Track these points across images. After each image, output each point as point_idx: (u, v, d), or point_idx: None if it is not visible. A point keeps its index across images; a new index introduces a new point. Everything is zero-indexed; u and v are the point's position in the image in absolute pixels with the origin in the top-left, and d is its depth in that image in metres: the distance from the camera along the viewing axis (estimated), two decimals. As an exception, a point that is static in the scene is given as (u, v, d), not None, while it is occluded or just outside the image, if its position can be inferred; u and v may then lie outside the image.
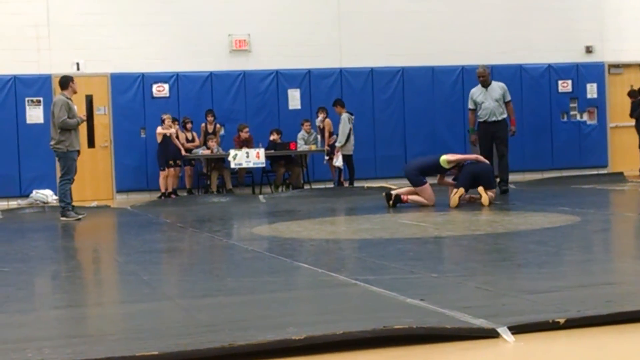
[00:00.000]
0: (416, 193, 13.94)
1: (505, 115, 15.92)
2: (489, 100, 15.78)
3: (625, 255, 8.35)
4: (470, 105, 16.08)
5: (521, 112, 20.90)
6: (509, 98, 15.98)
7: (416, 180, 13.91)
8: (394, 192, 14.03)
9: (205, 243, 10.31)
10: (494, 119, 15.75)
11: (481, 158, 14.19)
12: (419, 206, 13.64)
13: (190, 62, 19.40)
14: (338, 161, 18.31)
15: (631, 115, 20.12)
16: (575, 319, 5.04)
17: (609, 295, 5.77)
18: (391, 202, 13.91)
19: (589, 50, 21.57)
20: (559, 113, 21.40)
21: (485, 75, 15.93)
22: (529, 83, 21.21)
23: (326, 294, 6.36)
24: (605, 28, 21.63)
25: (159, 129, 18.01)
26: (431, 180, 14.22)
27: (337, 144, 18.29)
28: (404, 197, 13.91)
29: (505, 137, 15.88)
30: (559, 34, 21.29)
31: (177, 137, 18.31)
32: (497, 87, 15.95)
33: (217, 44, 19.60)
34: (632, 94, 20.41)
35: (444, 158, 13.94)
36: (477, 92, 16.00)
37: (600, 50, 21.58)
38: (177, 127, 18.33)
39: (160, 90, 19.28)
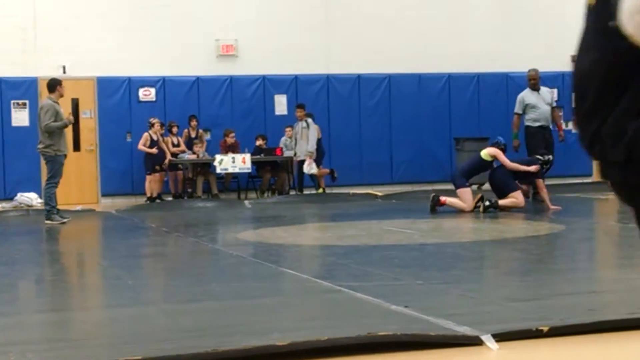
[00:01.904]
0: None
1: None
2: (542, 104, 15.39)
3: (609, 264, 8.39)
4: (518, 110, 15.62)
5: (507, 120, 20.93)
6: (555, 103, 15.70)
7: (458, 183, 13.79)
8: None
9: (190, 248, 10.30)
10: (548, 123, 15.42)
11: (522, 168, 13.74)
12: (457, 210, 13.43)
13: (177, 66, 19.38)
14: (312, 168, 18.08)
15: None
16: (558, 327, 5.06)
17: (592, 304, 5.80)
18: (431, 204, 13.69)
19: (574, 59, 21.63)
20: (545, 121, 21.44)
21: (536, 78, 15.57)
22: (515, 91, 21.07)
23: (311, 300, 6.37)
24: (591, 37, 21.69)
25: (144, 137, 17.96)
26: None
27: (311, 149, 18.02)
28: (442, 199, 13.76)
29: (554, 144, 15.68)
30: (545, 43, 21.35)
31: (163, 141, 18.32)
32: (548, 92, 15.63)
33: (204, 49, 19.59)
34: None
35: (485, 151, 13.88)
36: (528, 95, 15.57)
37: (586, 59, 21.62)
38: (162, 131, 18.31)
39: (147, 94, 19.26)
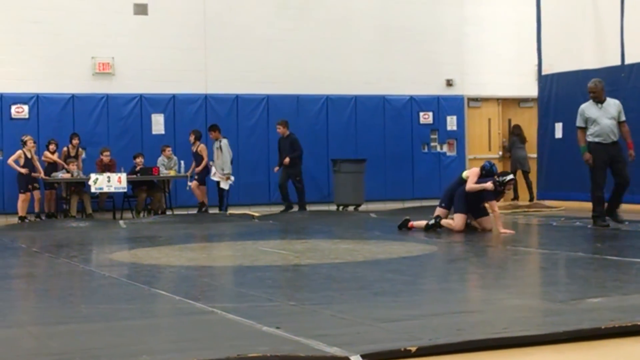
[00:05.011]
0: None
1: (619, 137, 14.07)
2: (604, 119, 13.88)
3: (478, 284, 8.56)
4: (580, 123, 14.02)
5: (384, 142, 21.30)
6: (624, 118, 14.06)
7: (457, 208, 13.92)
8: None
9: (61, 269, 10.09)
10: (613, 139, 13.87)
11: (477, 187, 13.73)
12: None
13: (51, 83, 19.01)
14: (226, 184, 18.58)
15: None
16: (426, 347, 5.14)
17: (461, 324, 5.90)
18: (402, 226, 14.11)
19: (449, 83, 22.14)
20: (420, 144, 21.85)
21: (596, 91, 13.97)
22: (392, 114, 21.60)
23: (182, 322, 6.31)
24: (465, 63, 22.25)
25: (17, 154, 17.56)
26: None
27: (227, 171, 18.39)
28: (410, 224, 14.07)
29: (625, 160, 14.08)
30: (421, 67, 21.78)
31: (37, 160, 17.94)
32: (613, 104, 14.07)
33: (80, 66, 19.28)
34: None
35: (465, 172, 14.27)
36: (589, 108, 14.02)
37: (460, 83, 22.18)
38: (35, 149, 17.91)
39: (20, 111, 18.83)
